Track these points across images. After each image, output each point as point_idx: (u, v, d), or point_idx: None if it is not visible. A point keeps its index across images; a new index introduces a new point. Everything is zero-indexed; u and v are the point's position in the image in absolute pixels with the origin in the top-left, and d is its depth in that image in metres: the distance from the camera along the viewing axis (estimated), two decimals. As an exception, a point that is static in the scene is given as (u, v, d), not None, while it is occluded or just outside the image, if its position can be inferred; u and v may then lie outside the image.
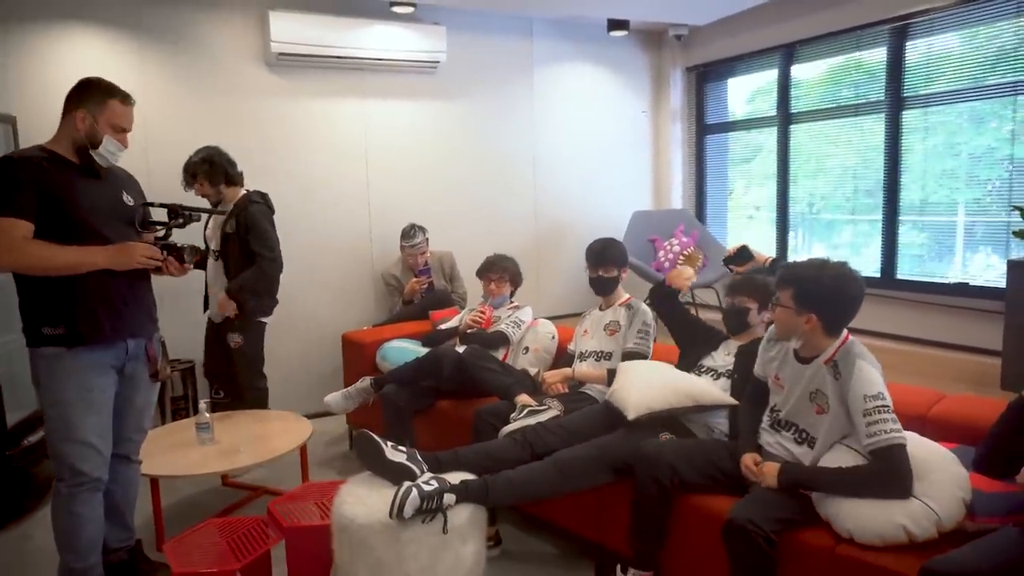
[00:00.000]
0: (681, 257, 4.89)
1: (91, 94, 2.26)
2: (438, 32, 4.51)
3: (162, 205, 2.45)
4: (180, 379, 3.95)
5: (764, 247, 5.28)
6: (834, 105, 4.74)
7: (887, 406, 1.99)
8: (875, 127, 4.49)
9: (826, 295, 2.10)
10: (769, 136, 5.18)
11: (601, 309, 3.15)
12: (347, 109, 4.52)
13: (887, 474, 1.93)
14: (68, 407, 2.22)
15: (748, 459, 2.23)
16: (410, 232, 4.33)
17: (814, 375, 2.16)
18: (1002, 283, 3.64)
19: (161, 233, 2.43)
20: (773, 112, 5.10)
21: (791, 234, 5.17)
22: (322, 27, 4.18)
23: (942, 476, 1.94)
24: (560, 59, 5.25)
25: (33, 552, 2.91)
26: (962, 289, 4.13)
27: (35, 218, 2.14)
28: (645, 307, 3.03)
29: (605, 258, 3.06)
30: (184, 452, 2.95)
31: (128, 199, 2.39)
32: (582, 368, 3.03)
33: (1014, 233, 3.48)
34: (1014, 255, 3.63)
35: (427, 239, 4.36)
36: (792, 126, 5.01)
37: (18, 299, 2.26)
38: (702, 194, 5.81)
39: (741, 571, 2.01)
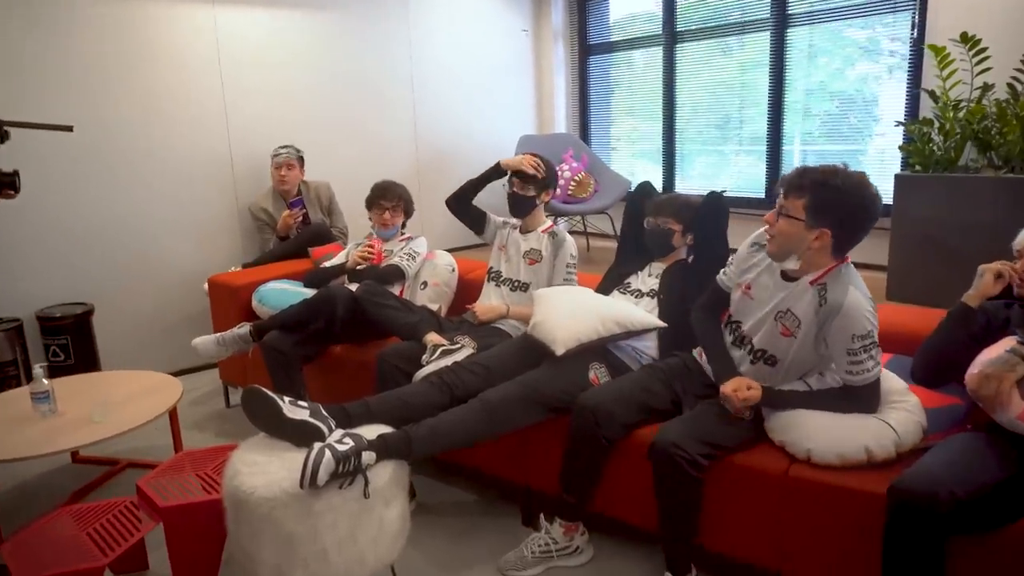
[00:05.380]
0: (572, 183, 4.70)
1: None
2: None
3: None
4: (6, 341, 3.28)
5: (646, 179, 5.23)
6: (723, 23, 4.66)
7: (874, 343, 1.82)
8: (760, 49, 4.46)
9: (847, 208, 1.81)
10: (653, 59, 5.04)
11: (522, 232, 2.87)
12: (195, 15, 3.84)
13: (858, 401, 1.88)
14: None
15: (731, 387, 1.94)
16: (277, 150, 3.87)
17: (791, 294, 1.93)
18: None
19: None
20: (658, 31, 4.95)
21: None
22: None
23: (905, 405, 1.90)
24: (436, -33, 4.78)
25: None
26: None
27: None
28: (570, 238, 2.78)
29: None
30: (20, 428, 2.40)
31: None
32: (517, 308, 2.76)
33: (900, 148, 3.56)
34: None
35: (300, 156, 3.89)
36: (678, 46, 4.89)
37: None
38: (586, 118, 5.62)
39: (664, 493, 1.93)
